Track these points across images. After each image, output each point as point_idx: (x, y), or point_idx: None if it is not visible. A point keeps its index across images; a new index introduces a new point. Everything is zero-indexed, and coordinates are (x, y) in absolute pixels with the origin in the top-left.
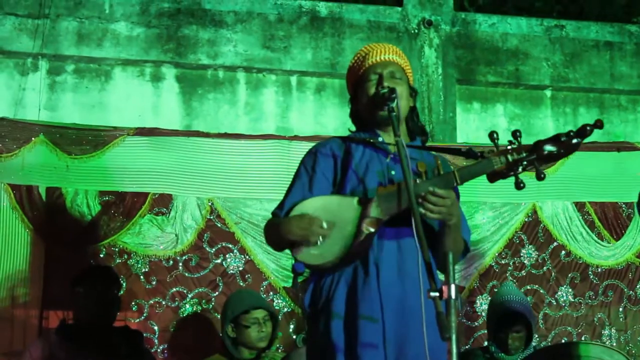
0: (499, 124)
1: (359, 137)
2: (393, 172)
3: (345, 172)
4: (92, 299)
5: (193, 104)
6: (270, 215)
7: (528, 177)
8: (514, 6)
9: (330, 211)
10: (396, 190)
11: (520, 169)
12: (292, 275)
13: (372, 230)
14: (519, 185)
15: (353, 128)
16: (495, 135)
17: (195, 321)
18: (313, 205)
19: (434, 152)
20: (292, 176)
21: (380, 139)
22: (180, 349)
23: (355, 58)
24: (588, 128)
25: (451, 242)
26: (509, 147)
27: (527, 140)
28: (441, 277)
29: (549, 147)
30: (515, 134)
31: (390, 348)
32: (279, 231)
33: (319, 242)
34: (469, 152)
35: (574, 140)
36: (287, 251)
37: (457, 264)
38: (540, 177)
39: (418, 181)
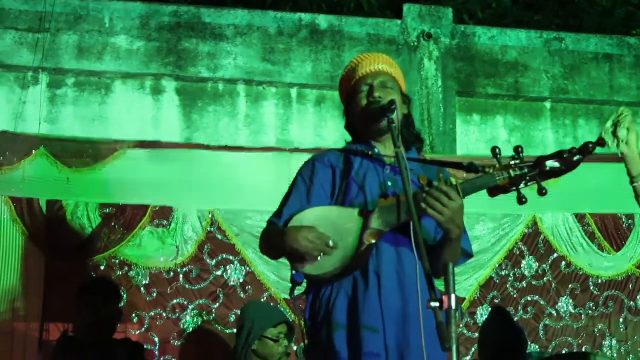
0: (499, 136)
1: (356, 149)
2: (390, 184)
3: (345, 183)
4: (90, 313)
5: (193, 117)
6: (268, 223)
7: (528, 189)
8: (514, 19)
9: (330, 222)
10: (397, 202)
11: (522, 184)
12: (290, 280)
13: (373, 241)
14: (522, 201)
15: (350, 139)
16: (497, 151)
17: (196, 333)
18: (313, 215)
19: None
20: None
21: (376, 151)
22: None
23: (346, 70)
24: (590, 146)
25: (450, 254)
26: (511, 163)
27: (527, 151)
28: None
29: (551, 164)
30: (518, 149)
31: (392, 357)
32: (282, 239)
33: (319, 258)
34: (470, 167)
35: (576, 158)
36: (288, 262)
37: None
38: (542, 192)
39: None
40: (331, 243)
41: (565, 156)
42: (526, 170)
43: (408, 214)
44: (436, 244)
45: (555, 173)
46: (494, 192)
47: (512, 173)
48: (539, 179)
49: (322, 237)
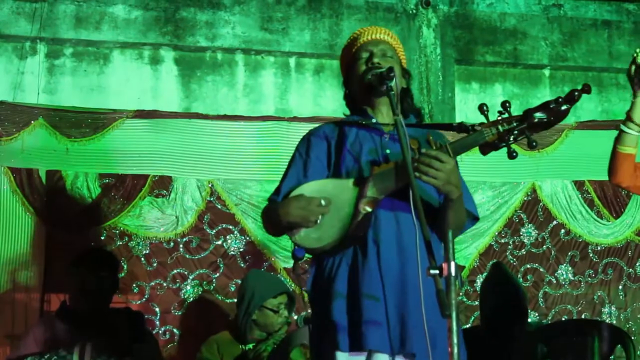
0: (498, 103)
1: (352, 120)
2: (388, 151)
3: (340, 153)
4: (78, 283)
5: (192, 86)
6: (268, 200)
7: (527, 156)
8: None
9: (326, 194)
10: (392, 169)
11: (511, 139)
12: (292, 255)
13: (369, 209)
14: (512, 155)
15: (348, 112)
16: (485, 108)
17: (196, 302)
18: (309, 189)
19: (425, 129)
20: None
21: (373, 120)
22: (181, 330)
23: (348, 41)
24: (576, 93)
25: (455, 215)
26: (499, 118)
27: None
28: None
29: (538, 115)
30: (505, 104)
31: (392, 325)
32: (277, 214)
33: (318, 221)
34: (460, 127)
35: (563, 107)
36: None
37: (461, 234)
38: (531, 145)
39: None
40: (322, 202)
41: (552, 106)
42: (514, 124)
43: (402, 180)
44: (440, 207)
45: (544, 124)
46: (485, 149)
47: (501, 128)
48: (528, 132)
49: (311, 201)
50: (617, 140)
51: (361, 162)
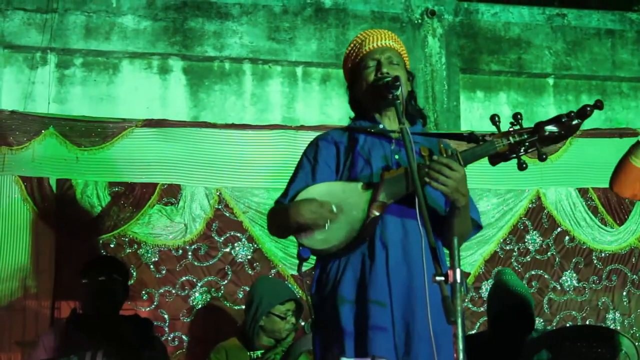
0: (502, 112)
1: (360, 126)
2: (397, 157)
3: (352, 157)
4: (93, 290)
5: (200, 96)
6: (275, 203)
7: (532, 163)
8: None
9: (335, 197)
10: (402, 174)
11: (522, 151)
12: (297, 256)
13: (377, 214)
14: (522, 166)
15: (353, 115)
16: (497, 119)
17: (205, 309)
18: (317, 191)
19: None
20: None
21: (381, 126)
22: (190, 336)
23: (352, 45)
24: (588, 109)
25: (460, 223)
26: (510, 129)
27: None
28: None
29: (550, 128)
30: (517, 116)
31: (398, 331)
32: (287, 215)
33: (326, 226)
34: (470, 137)
35: (575, 121)
36: (295, 239)
37: (465, 242)
38: (541, 158)
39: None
40: (334, 208)
41: (563, 120)
42: (525, 136)
43: (412, 186)
44: (446, 214)
45: (555, 138)
46: (494, 159)
47: (512, 139)
48: (539, 145)
49: (323, 205)
50: (632, 151)
51: (372, 167)
